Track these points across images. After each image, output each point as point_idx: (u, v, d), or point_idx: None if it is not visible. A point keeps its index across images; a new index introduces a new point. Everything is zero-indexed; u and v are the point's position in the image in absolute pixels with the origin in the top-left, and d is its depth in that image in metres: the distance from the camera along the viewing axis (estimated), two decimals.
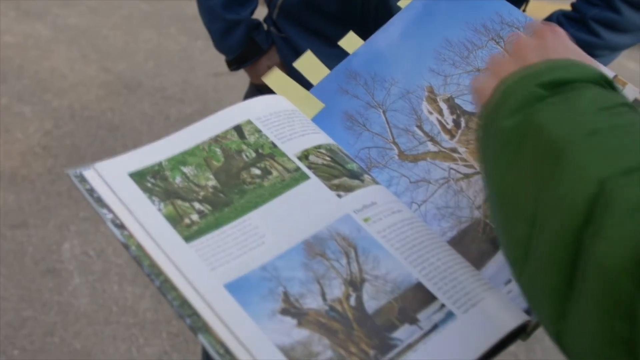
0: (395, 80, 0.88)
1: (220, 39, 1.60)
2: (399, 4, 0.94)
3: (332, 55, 1.47)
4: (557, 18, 1.46)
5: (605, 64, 1.50)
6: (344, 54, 1.46)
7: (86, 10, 4.20)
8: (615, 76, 0.81)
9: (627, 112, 0.53)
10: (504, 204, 0.55)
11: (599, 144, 0.49)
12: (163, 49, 3.95)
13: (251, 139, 0.78)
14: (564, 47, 0.64)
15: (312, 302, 0.65)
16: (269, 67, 1.59)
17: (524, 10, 1.52)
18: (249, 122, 0.80)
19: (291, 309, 0.64)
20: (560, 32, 0.67)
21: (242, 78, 1.67)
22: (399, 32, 0.92)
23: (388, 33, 0.92)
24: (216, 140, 0.78)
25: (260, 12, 1.60)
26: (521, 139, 0.54)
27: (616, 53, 1.49)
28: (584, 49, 1.50)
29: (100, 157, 2.43)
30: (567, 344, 0.48)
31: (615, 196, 0.44)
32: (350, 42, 0.93)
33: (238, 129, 0.79)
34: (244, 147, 0.77)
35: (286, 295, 0.65)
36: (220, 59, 1.67)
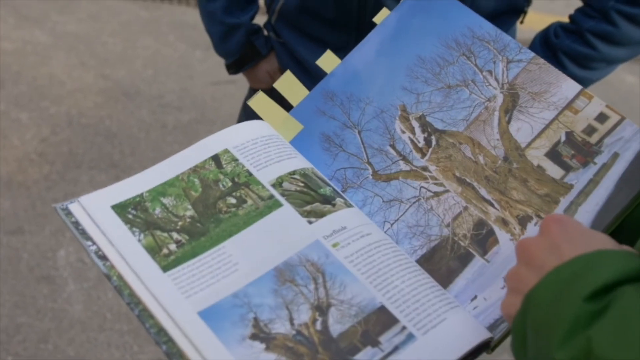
0: (370, 99, 0.90)
1: (220, 42, 1.61)
2: (375, 19, 0.95)
3: None
4: (555, 29, 1.47)
5: (601, 77, 1.51)
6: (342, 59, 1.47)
7: (85, 17, 4.20)
8: (582, 89, 0.83)
9: None
10: None
11: None
12: (161, 57, 3.95)
13: (228, 168, 0.81)
14: (575, 236, 0.60)
15: (281, 327, 0.68)
16: (268, 72, 1.60)
17: (521, 22, 1.53)
18: (226, 151, 0.83)
19: (260, 334, 0.67)
20: (565, 219, 0.62)
21: (240, 87, 1.68)
22: (374, 50, 0.93)
23: (363, 52, 0.93)
24: (195, 170, 0.81)
25: (262, 20, 1.61)
26: None
27: (613, 66, 1.49)
28: (581, 61, 1.51)
29: (97, 165, 2.44)
30: None
31: None
32: (327, 61, 0.95)
33: (216, 158, 0.82)
34: (221, 176, 0.81)
35: (256, 320, 0.68)
36: (219, 68, 1.68)
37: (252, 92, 1.68)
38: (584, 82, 1.50)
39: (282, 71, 1.57)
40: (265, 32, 1.62)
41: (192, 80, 3.77)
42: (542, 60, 0.86)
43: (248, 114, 1.61)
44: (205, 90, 3.68)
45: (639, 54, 1.47)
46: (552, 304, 0.53)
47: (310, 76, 1.51)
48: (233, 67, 1.64)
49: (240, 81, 1.65)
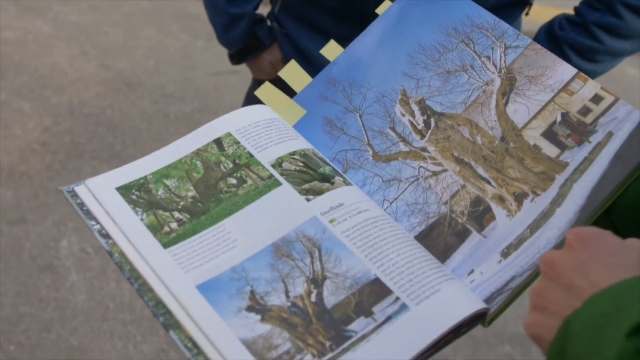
0: (371, 85, 0.93)
1: (223, 32, 1.61)
2: (377, 10, 0.98)
3: None
4: (559, 22, 1.47)
5: (606, 70, 1.51)
6: None
7: (86, 7, 4.20)
8: (578, 72, 0.86)
9: None
10: None
11: None
12: (163, 47, 3.95)
13: (229, 150, 0.84)
14: (603, 255, 0.57)
15: (276, 299, 0.71)
16: (271, 63, 1.60)
17: (526, 14, 1.52)
18: (229, 135, 0.85)
19: (256, 306, 0.70)
20: (589, 235, 0.59)
21: (242, 78, 1.68)
22: (376, 39, 0.96)
23: (366, 40, 0.97)
24: (197, 153, 0.84)
25: (265, 10, 1.61)
26: None
27: (617, 59, 1.49)
28: (585, 54, 1.51)
29: (99, 155, 2.46)
30: None
31: None
32: (331, 50, 0.98)
33: (218, 141, 0.85)
34: (223, 158, 0.83)
35: (252, 293, 0.71)
36: (221, 58, 1.68)
37: (255, 82, 1.68)
38: (589, 75, 1.50)
39: (285, 61, 1.57)
40: (269, 23, 1.62)
41: (194, 70, 3.77)
42: (538, 46, 0.88)
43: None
44: (207, 80, 3.68)
45: None
46: (592, 338, 0.51)
47: (313, 66, 1.51)
48: (236, 57, 1.64)
49: (243, 72, 1.65)
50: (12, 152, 2.96)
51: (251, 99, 1.64)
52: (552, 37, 1.47)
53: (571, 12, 1.48)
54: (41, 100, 3.32)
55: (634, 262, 0.56)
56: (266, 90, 0.95)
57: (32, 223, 2.63)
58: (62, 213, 2.68)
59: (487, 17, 0.92)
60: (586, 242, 0.58)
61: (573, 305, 0.54)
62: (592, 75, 1.50)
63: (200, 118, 3.37)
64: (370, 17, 1.39)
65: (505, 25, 0.91)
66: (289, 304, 0.70)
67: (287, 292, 0.71)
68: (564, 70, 0.86)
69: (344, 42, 1.45)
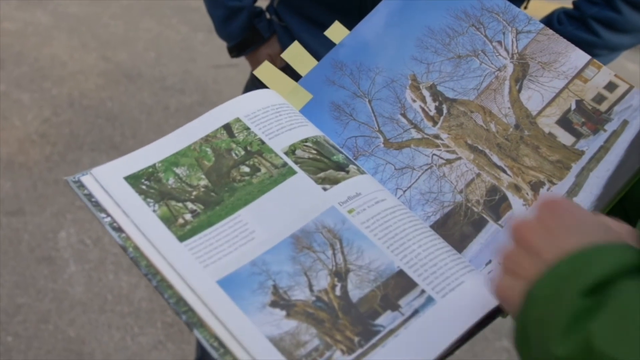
0: (380, 69, 0.90)
1: (222, 26, 1.60)
2: None
3: (332, 45, 1.47)
4: (558, 16, 1.46)
5: (604, 64, 1.51)
6: None
7: None
8: (591, 59, 0.85)
9: None
10: None
11: None
12: (164, 39, 3.94)
13: (240, 136, 0.81)
14: (570, 223, 0.59)
15: (300, 294, 0.68)
16: (270, 56, 1.60)
17: (524, 8, 1.52)
18: (238, 120, 0.82)
19: (280, 301, 0.67)
20: (557, 203, 0.61)
21: (242, 71, 1.68)
22: (383, 21, 0.93)
23: (372, 22, 0.93)
24: (207, 140, 0.81)
25: (264, 3, 1.60)
26: None
27: (615, 53, 1.48)
28: (584, 48, 1.51)
29: (99, 146, 2.44)
30: None
31: None
32: (336, 32, 0.95)
33: (227, 127, 0.82)
34: (233, 145, 0.80)
35: (275, 288, 0.68)
36: (221, 51, 1.67)
37: (253, 76, 1.68)
38: None
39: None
40: (268, 15, 1.61)
41: (194, 62, 3.76)
42: (550, 31, 0.87)
43: None
44: (207, 73, 3.68)
45: None
46: (550, 300, 0.53)
47: None
48: (235, 51, 1.64)
49: (242, 64, 1.64)
50: (11, 143, 2.95)
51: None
52: None
53: (570, 6, 1.47)
54: (41, 91, 3.31)
55: (597, 228, 0.59)
56: (266, 70, 0.92)
57: (31, 214, 2.62)
58: (60, 204, 2.68)
59: (497, 1, 0.90)
60: (555, 210, 0.60)
61: (540, 270, 0.56)
62: None
63: (200, 110, 3.35)
64: (368, 10, 1.40)
65: (516, 9, 0.89)
66: (313, 298, 0.68)
67: (310, 286, 0.69)
68: (577, 57, 0.85)
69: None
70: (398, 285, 0.69)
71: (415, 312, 0.67)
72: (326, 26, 1.44)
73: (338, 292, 0.69)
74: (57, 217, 2.63)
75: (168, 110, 3.33)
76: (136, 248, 0.69)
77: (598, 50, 1.44)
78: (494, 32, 0.88)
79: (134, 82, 3.51)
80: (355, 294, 0.69)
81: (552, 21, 1.46)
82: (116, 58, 3.67)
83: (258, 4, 1.60)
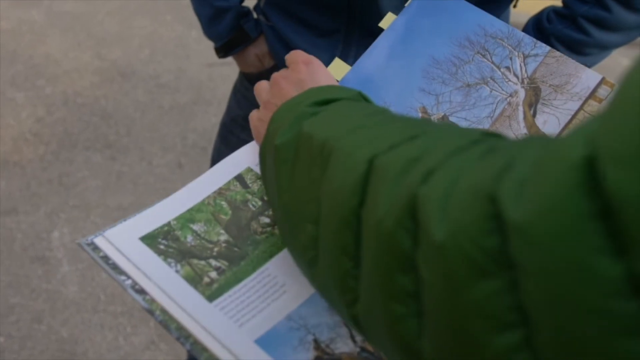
0: (388, 104, 0.87)
1: (209, 26, 1.59)
2: (381, 24, 0.93)
3: (320, 46, 1.46)
4: (547, 14, 1.46)
5: (596, 63, 1.50)
6: (331, 44, 1.45)
7: None
8: (603, 78, 0.83)
9: (385, 112, 0.60)
10: (290, 216, 0.58)
11: (364, 134, 0.54)
12: (158, 37, 3.93)
13: (254, 186, 0.78)
14: (317, 77, 0.72)
15: (344, 346, 0.65)
16: (257, 56, 1.59)
17: (514, 6, 1.51)
18: (250, 170, 0.80)
19: (324, 356, 0.65)
20: (313, 61, 0.74)
21: (236, 69, 1.67)
22: (384, 54, 0.91)
23: (374, 56, 0.91)
24: (220, 193, 0.77)
25: (252, 3, 1.59)
26: (295, 151, 0.58)
27: (606, 52, 1.48)
28: (574, 47, 1.50)
29: (93, 145, 2.42)
30: (364, 324, 0.49)
31: (383, 168, 0.48)
32: (337, 68, 0.92)
33: (240, 178, 0.79)
34: (249, 196, 0.77)
35: (317, 342, 0.65)
36: None
37: (242, 75, 1.67)
38: None
39: (271, 54, 1.55)
40: (255, 15, 1.60)
41: (188, 60, 3.75)
42: (558, 53, 0.86)
43: (238, 99, 1.60)
44: (202, 71, 3.67)
45: (633, 39, 1.46)
46: (283, 115, 0.63)
47: None
48: (222, 51, 1.62)
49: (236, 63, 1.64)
50: (5, 142, 2.95)
51: (238, 94, 1.62)
52: (540, 29, 1.45)
53: (559, 4, 1.47)
54: (35, 89, 3.31)
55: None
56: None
57: (24, 214, 2.62)
58: (54, 204, 2.68)
59: (500, 26, 0.88)
60: (307, 66, 0.73)
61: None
62: None
63: (194, 109, 3.35)
64: (357, 11, 1.39)
65: (520, 33, 0.88)
66: (358, 349, 0.65)
67: (352, 337, 0.66)
68: (589, 77, 0.83)
69: (332, 36, 1.44)
70: None
71: None
72: (314, 26, 1.44)
73: None
74: (50, 217, 2.62)
75: (162, 109, 3.33)
76: (164, 311, 0.65)
77: (588, 49, 1.43)
78: (500, 58, 0.86)
79: (128, 80, 3.50)
80: None
81: (542, 19, 1.45)
82: (110, 56, 3.67)
83: (245, 3, 1.59)
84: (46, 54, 3.59)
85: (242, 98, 1.58)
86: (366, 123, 0.56)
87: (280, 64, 1.54)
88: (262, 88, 0.78)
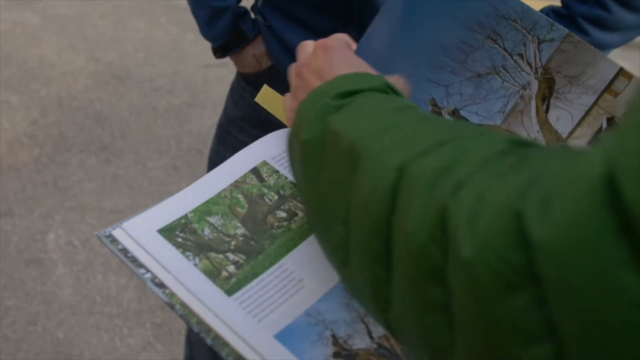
0: None
1: (206, 26, 1.59)
2: None
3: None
4: (547, 14, 1.46)
5: None
6: None
7: None
8: (621, 68, 0.76)
9: (413, 109, 0.58)
10: (318, 213, 0.58)
11: (393, 137, 0.52)
12: (153, 40, 3.93)
13: (270, 180, 0.78)
14: (337, 64, 0.68)
15: (361, 342, 0.65)
16: (255, 56, 1.59)
17: None
18: (265, 164, 0.79)
19: (342, 352, 0.65)
20: (332, 47, 0.71)
21: (232, 71, 1.66)
22: (384, 42, 0.84)
23: (372, 43, 0.84)
24: (236, 185, 0.77)
25: (249, 3, 1.59)
26: (322, 149, 0.57)
27: (605, 52, 1.48)
28: None
29: (88, 148, 2.42)
30: (397, 329, 0.49)
31: (414, 177, 0.47)
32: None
33: (255, 171, 0.78)
34: (265, 190, 0.77)
35: (335, 338, 0.65)
36: (210, 51, 1.66)
37: (239, 75, 1.67)
38: None
39: (269, 55, 1.55)
40: (252, 15, 1.60)
41: (183, 63, 3.75)
42: (577, 38, 0.77)
43: (235, 100, 1.59)
44: (197, 73, 3.67)
45: (632, 40, 1.46)
46: (308, 106, 0.61)
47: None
48: (220, 51, 1.62)
49: (232, 64, 1.63)
50: (0, 145, 2.94)
51: (235, 95, 1.62)
52: None
53: (558, 4, 1.47)
54: (29, 92, 3.30)
55: (363, 68, 0.68)
56: (267, 96, 0.86)
57: (19, 216, 2.61)
58: (49, 206, 2.67)
59: (513, 4, 0.77)
60: (325, 50, 0.70)
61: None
62: None
63: (189, 111, 3.35)
64: (354, 11, 1.39)
65: (536, 13, 0.77)
66: (375, 345, 0.65)
67: (369, 333, 0.66)
68: (606, 68, 0.76)
69: (328, 35, 1.44)
70: None
71: None
72: (311, 26, 1.44)
73: None
74: (45, 219, 2.61)
75: (157, 111, 3.32)
76: (184, 305, 0.65)
77: None
78: (513, 44, 0.78)
79: (123, 82, 3.49)
80: None
81: None
82: (105, 59, 3.66)
83: (242, 3, 1.59)
84: (40, 56, 3.59)
85: (240, 99, 1.58)
86: (394, 122, 0.55)
87: (278, 64, 1.54)
88: (290, 73, 0.75)
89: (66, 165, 2.89)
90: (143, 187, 2.85)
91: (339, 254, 0.54)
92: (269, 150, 0.81)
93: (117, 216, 2.63)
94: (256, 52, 1.58)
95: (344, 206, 0.53)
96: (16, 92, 3.28)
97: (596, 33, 1.41)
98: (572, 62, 0.77)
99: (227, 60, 1.65)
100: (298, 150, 0.60)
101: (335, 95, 0.59)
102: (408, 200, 0.46)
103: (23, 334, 2.19)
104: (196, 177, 0.78)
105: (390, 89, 0.62)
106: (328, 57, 0.69)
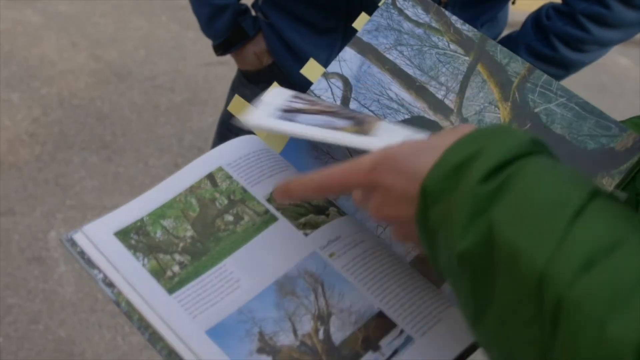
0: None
1: (207, 24, 1.60)
2: (354, 25, 0.90)
3: (319, 44, 1.46)
4: (546, 11, 1.46)
5: (594, 60, 1.50)
6: (330, 42, 1.45)
7: None
8: None
9: (600, 202, 0.45)
10: (499, 339, 0.47)
11: (601, 279, 0.41)
12: (154, 38, 3.93)
13: (223, 185, 0.82)
14: (413, 150, 0.54)
15: (285, 339, 0.69)
16: (255, 54, 1.59)
17: (513, 3, 1.52)
18: (220, 169, 0.83)
19: (266, 348, 0.69)
20: (390, 155, 0.56)
21: (232, 69, 1.67)
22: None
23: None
24: (191, 190, 0.81)
25: (250, 0, 1.60)
26: (491, 265, 0.45)
27: (605, 49, 1.48)
28: (573, 44, 1.50)
29: (89, 146, 2.43)
30: None
31: None
32: (311, 70, 0.89)
33: (210, 177, 0.82)
34: (217, 195, 0.81)
35: (261, 334, 0.70)
36: (211, 49, 1.67)
37: (240, 73, 1.67)
38: (577, 65, 1.49)
39: (269, 52, 1.56)
40: (253, 13, 1.61)
41: (184, 61, 3.75)
42: None
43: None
44: (198, 71, 3.67)
45: (632, 36, 1.46)
46: (448, 193, 0.48)
47: (299, 59, 1.50)
48: (221, 49, 1.63)
49: (233, 62, 1.64)
50: (1, 143, 2.94)
51: (236, 90, 1.62)
52: (539, 26, 1.46)
53: (558, 1, 1.47)
54: (30, 91, 3.30)
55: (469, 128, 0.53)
56: (238, 106, 0.88)
57: (21, 214, 2.61)
58: (50, 204, 2.67)
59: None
60: (392, 158, 0.55)
61: (412, 201, 0.51)
62: (580, 65, 1.49)
63: (190, 109, 3.35)
64: (355, 8, 1.39)
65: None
66: (297, 343, 0.69)
67: (294, 331, 0.70)
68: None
69: (330, 34, 1.45)
70: (379, 326, 0.71)
71: (395, 352, 0.69)
72: (312, 24, 1.45)
73: (321, 335, 0.70)
74: (47, 217, 2.62)
75: (158, 109, 3.32)
76: (128, 303, 0.70)
77: (588, 46, 1.44)
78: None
79: (124, 81, 3.50)
80: (337, 337, 0.70)
81: (541, 16, 1.46)
82: (106, 57, 3.66)
83: (243, 1, 1.59)
84: (41, 55, 3.59)
85: (241, 96, 1.58)
86: (595, 249, 0.42)
87: (278, 62, 1.54)
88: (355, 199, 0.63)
89: (67, 163, 2.89)
90: (144, 185, 2.85)
91: None
92: (225, 156, 0.84)
93: None
94: (257, 50, 1.58)
95: (539, 353, 0.43)
96: (17, 90, 3.28)
97: (596, 30, 1.41)
98: None
99: (228, 58, 1.66)
100: (454, 264, 0.48)
101: (482, 177, 0.46)
102: None
103: (25, 333, 2.19)
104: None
105: (541, 146, 0.49)
106: (398, 159, 0.54)
